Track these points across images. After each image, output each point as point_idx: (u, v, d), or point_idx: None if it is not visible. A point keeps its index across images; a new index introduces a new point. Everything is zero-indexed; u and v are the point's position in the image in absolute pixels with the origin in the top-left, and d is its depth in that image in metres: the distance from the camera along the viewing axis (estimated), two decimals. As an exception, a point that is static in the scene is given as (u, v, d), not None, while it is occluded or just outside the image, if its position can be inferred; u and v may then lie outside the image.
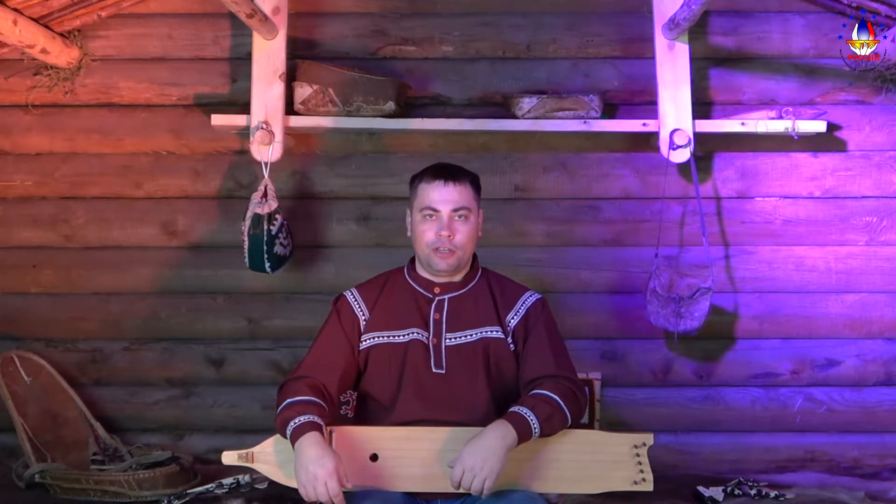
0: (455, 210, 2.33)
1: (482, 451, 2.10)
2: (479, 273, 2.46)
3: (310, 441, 2.12)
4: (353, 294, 2.44)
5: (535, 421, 2.17)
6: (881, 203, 3.23)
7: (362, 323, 2.39)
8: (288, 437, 2.16)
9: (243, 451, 2.23)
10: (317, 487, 2.07)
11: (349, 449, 2.21)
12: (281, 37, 3.08)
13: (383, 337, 2.37)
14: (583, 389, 2.33)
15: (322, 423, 2.17)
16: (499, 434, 2.12)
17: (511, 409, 2.20)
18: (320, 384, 2.28)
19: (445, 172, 2.36)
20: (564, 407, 2.22)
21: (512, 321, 2.39)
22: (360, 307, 2.41)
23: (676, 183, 3.20)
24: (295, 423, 2.15)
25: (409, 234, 2.43)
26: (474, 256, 2.45)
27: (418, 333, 2.35)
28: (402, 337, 2.35)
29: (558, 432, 2.24)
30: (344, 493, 2.16)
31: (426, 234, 2.34)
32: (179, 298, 3.24)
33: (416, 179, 2.40)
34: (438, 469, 2.21)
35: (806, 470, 3.15)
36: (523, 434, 2.15)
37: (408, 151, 3.22)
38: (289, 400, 2.22)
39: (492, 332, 2.37)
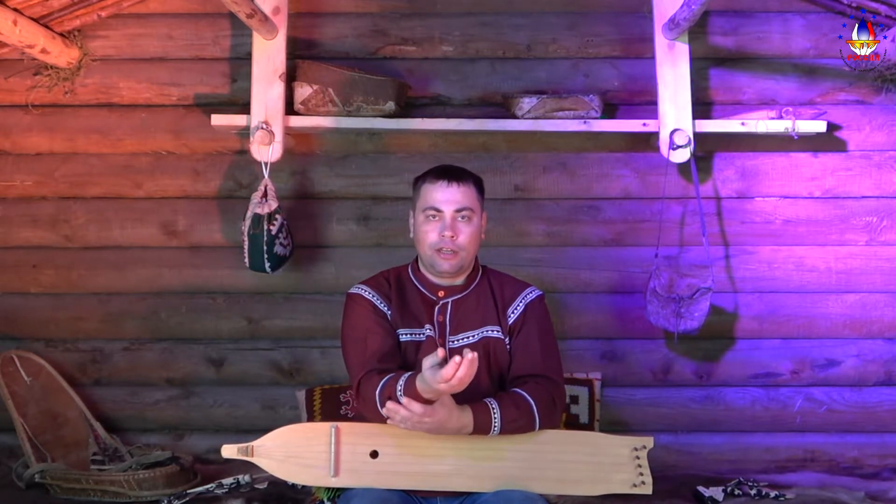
0: (458, 211, 2.32)
1: (444, 421, 2.12)
2: (480, 273, 2.46)
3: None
4: (368, 291, 2.39)
5: (497, 425, 2.19)
6: (881, 203, 3.23)
7: (389, 317, 2.37)
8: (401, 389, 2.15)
9: (243, 445, 2.24)
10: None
11: (350, 445, 2.22)
12: (281, 37, 3.08)
13: (408, 335, 2.36)
14: (562, 393, 2.37)
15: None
16: (459, 425, 2.16)
17: (485, 401, 2.22)
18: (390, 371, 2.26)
19: (449, 173, 2.35)
20: (536, 414, 2.24)
21: (511, 316, 2.39)
22: (380, 302, 2.38)
23: (676, 183, 3.20)
24: (404, 379, 2.15)
25: (411, 235, 2.42)
26: (475, 257, 2.45)
27: (431, 331, 2.35)
28: (421, 335, 2.35)
29: (531, 433, 2.26)
30: (342, 490, 2.21)
31: (429, 234, 2.33)
32: (179, 298, 3.24)
33: (420, 180, 2.39)
34: (438, 468, 2.21)
35: (806, 470, 3.15)
36: (480, 431, 2.19)
37: (408, 151, 3.22)
38: (386, 378, 2.19)
39: (492, 331, 2.37)
